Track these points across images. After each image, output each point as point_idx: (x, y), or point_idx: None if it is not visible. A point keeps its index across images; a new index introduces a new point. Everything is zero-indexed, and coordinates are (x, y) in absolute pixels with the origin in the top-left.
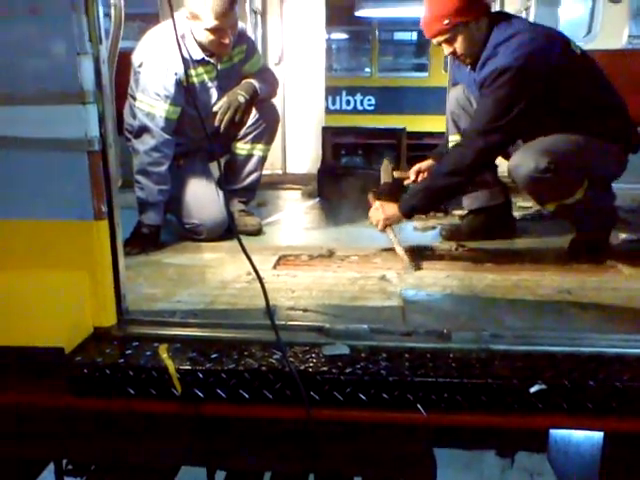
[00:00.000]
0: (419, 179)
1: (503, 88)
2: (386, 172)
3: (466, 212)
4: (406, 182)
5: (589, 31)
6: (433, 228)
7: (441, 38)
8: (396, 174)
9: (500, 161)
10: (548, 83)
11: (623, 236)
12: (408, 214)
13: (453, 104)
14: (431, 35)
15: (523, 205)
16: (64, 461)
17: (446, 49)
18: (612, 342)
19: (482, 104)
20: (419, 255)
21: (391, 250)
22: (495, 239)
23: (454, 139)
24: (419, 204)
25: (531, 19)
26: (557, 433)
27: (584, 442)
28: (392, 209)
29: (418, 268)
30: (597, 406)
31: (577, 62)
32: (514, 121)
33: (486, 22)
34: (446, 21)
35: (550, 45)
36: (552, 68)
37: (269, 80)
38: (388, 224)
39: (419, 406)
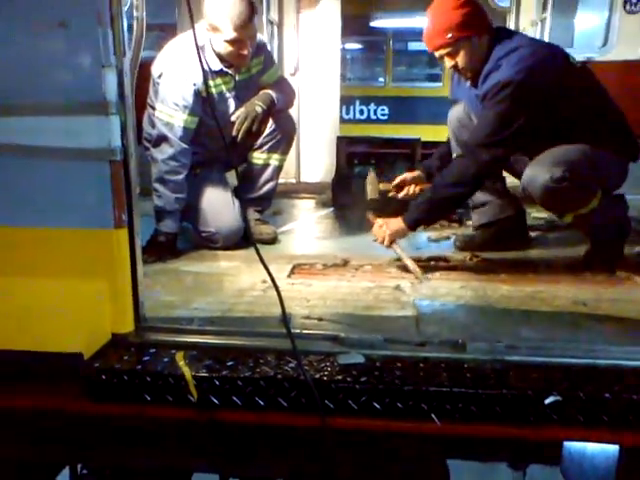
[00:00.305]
0: (405, 191)
1: (504, 102)
2: (372, 185)
3: (476, 227)
4: (391, 194)
5: (605, 42)
6: (447, 238)
7: (443, 51)
8: (382, 186)
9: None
10: (549, 96)
11: (638, 248)
12: (413, 226)
13: (453, 123)
14: (433, 48)
15: (537, 216)
16: (79, 466)
17: (448, 62)
18: (628, 354)
19: (484, 117)
20: (434, 265)
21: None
22: (509, 250)
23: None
24: (423, 216)
25: (547, 30)
26: (571, 445)
27: (599, 455)
28: (396, 224)
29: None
30: (613, 419)
31: (577, 75)
32: (515, 134)
33: (488, 38)
34: (449, 35)
35: (551, 58)
36: (553, 81)
37: (286, 91)
38: (394, 239)
39: (433, 416)
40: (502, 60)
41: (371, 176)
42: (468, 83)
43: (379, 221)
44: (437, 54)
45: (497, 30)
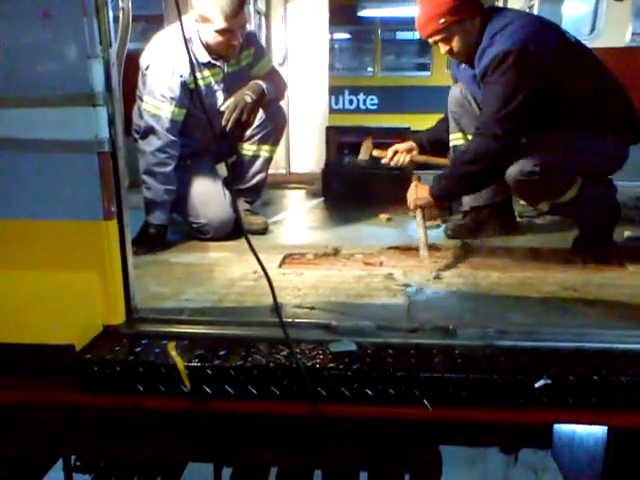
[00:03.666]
0: (395, 159)
1: (509, 71)
2: (366, 148)
3: (468, 209)
4: (383, 161)
5: (593, 29)
6: (438, 226)
7: (437, 37)
8: (375, 152)
9: None
10: (547, 67)
11: (627, 233)
12: (436, 199)
13: (452, 103)
14: (427, 35)
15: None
16: (72, 458)
17: (442, 48)
18: (617, 338)
19: (490, 92)
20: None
21: (396, 248)
22: (499, 236)
23: (455, 137)
24: (444, 191)
25: None
26: (561, 429)
27: (588, 437)
28: (424, 192)
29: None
30: (602, 401)
31: (573, 49)
32: (525, 103)
33: (480, 19)
34: (442, 20)
35: (545, 30)
36: (549, 51)
37: (277, 82)
38: (418, 205)
39: (425, 401)
40: (496, 36)
41: (367, 141)
42: (463, 65)
43: (413, 184)
44: (431, 40)
45: (488, 10)
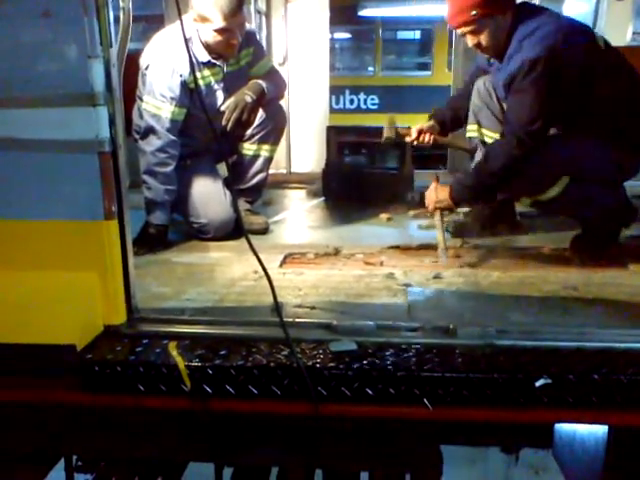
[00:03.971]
0: (420, 139)
1: (538, 80)
2: (390, 126)
3: (470, 208)
4: (407, 139)
5: (593, 28)
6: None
7: (466, 29)
8: (400, 131)
9: None
10: (577, 70)
11: (628, 233)
12: (457, 204)
13: (475, 95)
14: (456, 25)
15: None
16: (74, 457)
17: (470, 40)
18: (617, 337)
19: (518, 101)
20: (425, 253)
21: (397, 248)
22: (500, 235)
23: (471, 128)
24: (467, 198)
25: None
26: (562, 428)
27: (589, 437)
28: (444, 194)
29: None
30: (602, 400)
31: (602, 56)
32: (552, 113)
33: (511, 15)
34: (473, 12)
35: (574, 37)
36: (578, 58)
37: (276, 81)
38: (438, 207)
39: (426, 401)
40: (525, 40)
41: (389, 118)
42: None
43: (433, 185)
44: (459, 31)
45: (520, 6)
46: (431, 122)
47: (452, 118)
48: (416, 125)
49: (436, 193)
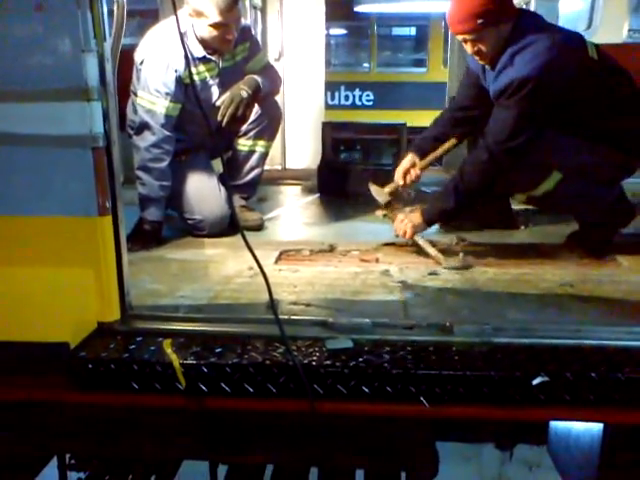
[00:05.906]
0: (407, 180)
1: (523, 100)
2: (378, 193)
3: None
4: (400, 189)
5: (589, 25)
6: None
7: (469, 37)
8: (387, 189)
9: None
10: (565, 91)
11: (623, 230)
12: (430, 224)
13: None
14: (459, 32)
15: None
16: (67, 456)
17: (469, 48)
18: (614, 334)
19: (501, 117)
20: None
21: (393, 245)
22: (495, 231)
23: None
24: (443, 219)
25: None
26: (557, 425)
27: (584, 434)
28: (417, 218)
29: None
30: (598, 398)
31: (595, 68)
32: (535, 130)
33: (512, 23)
34: (480, 21)
35: (567, 55)
36: (569, 74)
37: (272, 77)
38: (416, 232)
39: (422, 398)
40: (517, 56)
41: (373, 187)
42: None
43: (400, 216)
44: (460, 38)
45: (520, 14)
46: (410, 157)
47: (428, 142)
48: (398, 168)
49: (408, 220)
